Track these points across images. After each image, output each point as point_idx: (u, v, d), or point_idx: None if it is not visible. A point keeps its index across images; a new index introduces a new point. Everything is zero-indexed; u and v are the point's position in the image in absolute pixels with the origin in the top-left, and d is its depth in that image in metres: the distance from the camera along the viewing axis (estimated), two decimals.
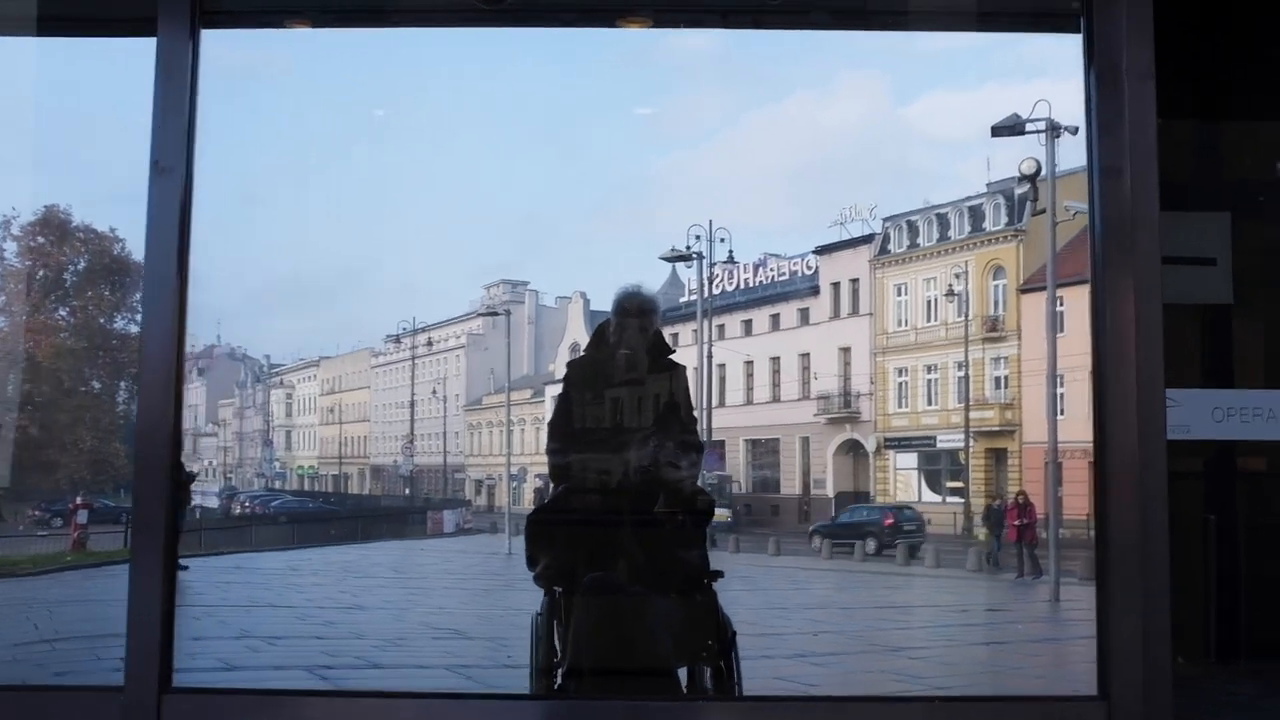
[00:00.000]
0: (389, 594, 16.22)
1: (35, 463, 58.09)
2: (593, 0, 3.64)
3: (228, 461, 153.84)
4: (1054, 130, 20.59)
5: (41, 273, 60.44)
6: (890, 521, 43.52)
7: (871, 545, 39.60)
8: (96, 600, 12.22)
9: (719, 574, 4.29)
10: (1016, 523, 27.54)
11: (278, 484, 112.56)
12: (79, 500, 24.53)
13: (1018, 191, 51.26)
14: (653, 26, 3.13)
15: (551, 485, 4.61)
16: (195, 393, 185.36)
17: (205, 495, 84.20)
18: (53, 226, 60.04)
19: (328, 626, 10.25)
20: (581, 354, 5.05)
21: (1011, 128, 20.22)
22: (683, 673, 4.29)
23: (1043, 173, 21.01)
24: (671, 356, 4.84)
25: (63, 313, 62.40)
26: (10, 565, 17.30)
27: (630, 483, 4.43)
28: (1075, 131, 21.16)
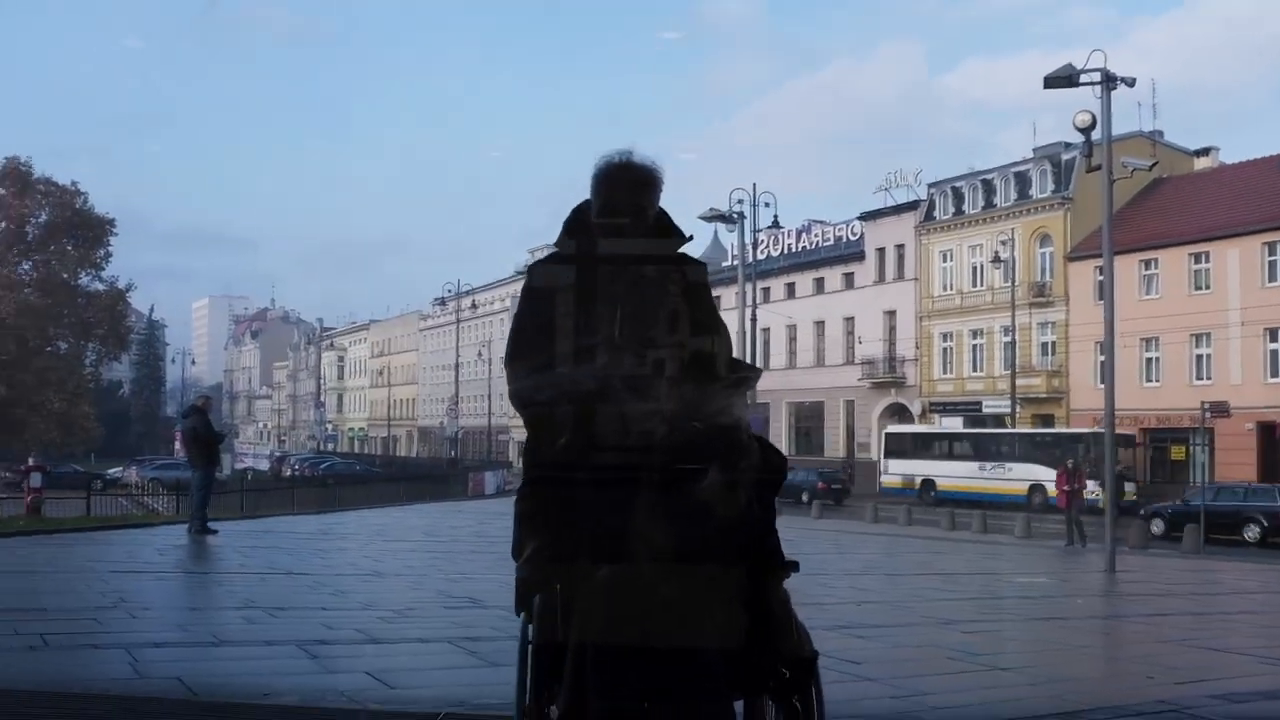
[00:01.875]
0: (414, 559, 15.76)
1: (5, 422, 58.17)
2: None
3: (281, 424, 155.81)
4: (1110, 81, 19.61)
5: (3, 225, 60.36)
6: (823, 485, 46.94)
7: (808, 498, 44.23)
8: (35, 571, 11.76)
9: (793, 566, 3.09)
10: (1066, 488, 26.63)
11: (329, 446, 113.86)
12: (31, 462, 23.87)
13: (1064, 158, 50.52)
14: None
15: (528, 438, 3.18)
16: (249, 355, 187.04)
17: (256, 458, 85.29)
18: (13, 178, 59.94)
19: (337, 596, 9.76)
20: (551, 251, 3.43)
21: (1066, 79, 19.27)
22: (739, 705, 3.08)
23: (1098, 127, 19.99)
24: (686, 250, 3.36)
25: (25, 267, 62.35)
26: None
27: (653, 434, 2.97)
28: (1132, 83, 20.30)
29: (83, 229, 61.96)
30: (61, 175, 64.87)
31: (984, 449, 47.97)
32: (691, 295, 3.25)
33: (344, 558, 15.21)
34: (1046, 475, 37.43)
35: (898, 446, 51.36)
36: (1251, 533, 30.48)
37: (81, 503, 25.82)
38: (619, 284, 3.19)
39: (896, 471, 50.18)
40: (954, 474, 47.55)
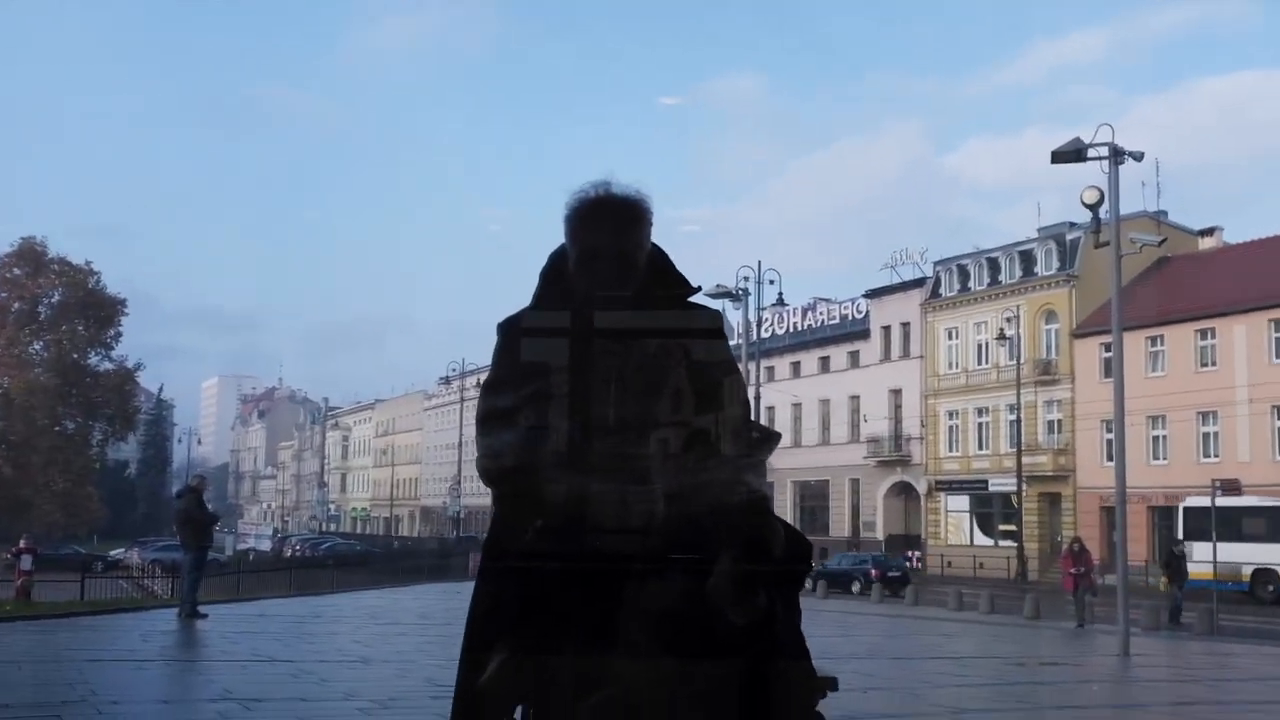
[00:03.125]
0: (404, 643, 15.30)
1: (9, 502, 57.82)
2: None
3: (285, 504, 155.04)
4: (1117, 155, 19.44)
5: (17, 305, 60.52)
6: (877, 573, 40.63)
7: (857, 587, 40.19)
8: (7, 660, 11.34)
9: (830, 684, 2.58)
10: (1073, 570, 26.06)
11: (331, 526, 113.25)
12: (23, 544, 23.32)
13: (1069, 236, 50.53)
14: None
15: (494, 519, 2.65)
16: (256, 435, 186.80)
17: (259, 538, 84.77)
18: (29, 258, 60.14)
19: (319, 686, 9.36)
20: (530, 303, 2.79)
21: (1074, 153, 19.11)
22: None
23: (1105, 202, 19.81)
24: (695, 298, 2.76)
25: (37, 346, 62.34)
26: None
27: (648, 514, 2.43)
28: (1140, 157, 20.15)
29: (94, 309, 62.20)
30: (74, 254, 65.11)
31: None
32: (703, 347, 2.67)
33: (332, 643, 14.80)
34: None
35: (1202, 524, 32.33)
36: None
37: (76, 586, 25.39)
38: (609, 348, 2.60)
39: (1207, 559, 30.39)
40: None
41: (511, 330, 2.68)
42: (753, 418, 2.85)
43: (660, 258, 2.69)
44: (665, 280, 2.69)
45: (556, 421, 2.54)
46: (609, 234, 2.60)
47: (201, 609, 16.51)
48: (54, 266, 61.60)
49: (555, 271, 2.69)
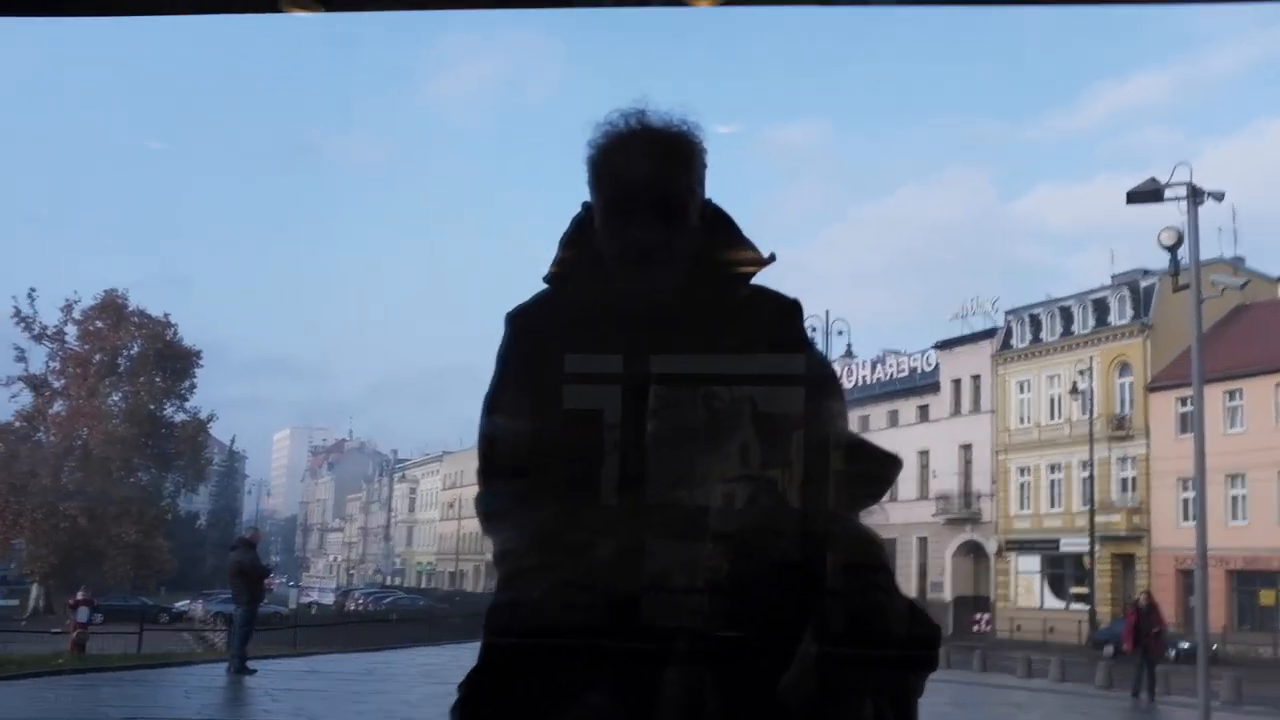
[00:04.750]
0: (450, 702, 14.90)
1: (83, 553, 58.59)
2: None
3: (351, 557, 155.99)
4: (1196, 196, 18.77)
5: (98, 356, 61.45)
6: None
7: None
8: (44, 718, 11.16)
9: None
10: (1136, 630, 23.35)
11: (395, 580, 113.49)
12: (80, 596, 23.22)
13: (1143, 284, 49.55)
14: (723, 3, 1.86)
15: (499, 579, 2.09)
16: (325, 487, 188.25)
17: (322, 591, 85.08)
18: (110, 311, 61.19)
19: None
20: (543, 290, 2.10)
21: (1151, 193, 18.50)
22: None
23: (1183, 244, 19.14)
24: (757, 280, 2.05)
25: (115, 398, 63.21)
26: None
27: (701, 573, 1.85)
28: (1221, 198, 19.48)
29: (171, 360, 63.28)
30: (153, 306, 66.51)
31: None
32: (780, 344, 2.01)
33: (379, 703, 14.53)
34: None
35: None
36: None
37: (135, 638, 25.36)
38: (642, 348, 1.91)
39: None
40: None
41: (526, 322, 2.06)
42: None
43: (717, 216, 2.04)
44: (724, 246, 2.04)
45: (583, 455, 1.91)
46: (647, 173, 1.95)
47: (251, 664, 16.30)
48: (134, 319, 62.95)
49: (581, 235, 2.04)
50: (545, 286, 2.08)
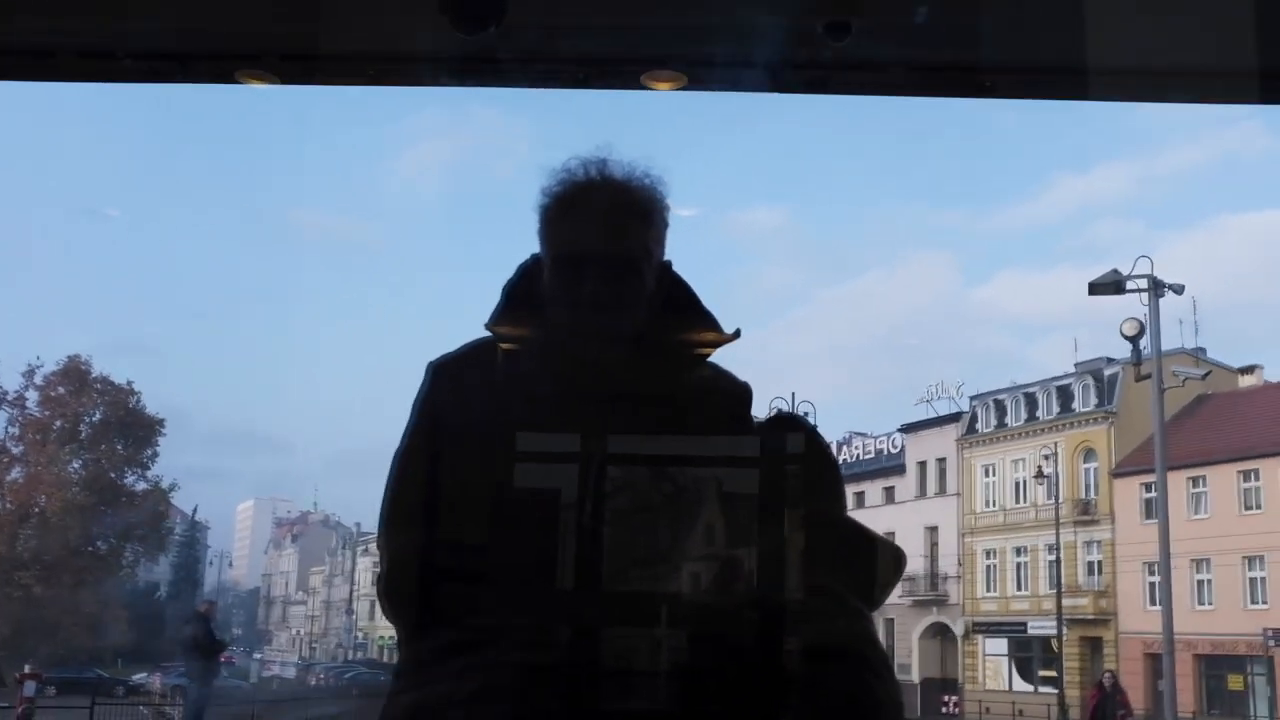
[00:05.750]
0: None
1: (36, 623, 57.66)
2: (616, 52, 2.16)
3: (314, 630, 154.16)
4: (1157, 288, 19.15)
5: (59, 423, 60.91)
6: None
7: None
8: None
9: None
10: (1096, 713, 22.65)
11: (358, 654, 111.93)
12: (26, 670, 22.76)
13: (1106, 372, 50.02)
14: (686, 87, 1.88)
15: (399, 645, 1.90)
16: (289, 559, 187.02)
17: (284, 665, 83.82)
18: (73, 376, 60.75)
19: None
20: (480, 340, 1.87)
21: (1113, 284, 18.85)
22: None
23: (1145, 335, 19.47)
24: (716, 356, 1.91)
25: (75, 465, 62.58)
26: None
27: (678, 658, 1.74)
28: (1180, 290, 19.86)
29: (133, 428, 62.65)
30: (116, 373, 66.09)
31: None
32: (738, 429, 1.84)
33: None
34: None
35: None
36: None
37: (86, 712, 24.87)
38: (593, 427, 1.75)
39: None
40: None
41: (446, 375, 1.84)
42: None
43: (676, 284, 1.87)
44: (684, 319, 1.85)
45: (529, 530, 1.73)
46: (604, 231, 1.78)
47: None
48: (96, 385, 62.43)
49: (525, 287, 1.85)
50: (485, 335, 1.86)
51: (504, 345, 1.83)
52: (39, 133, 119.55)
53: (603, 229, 1.78)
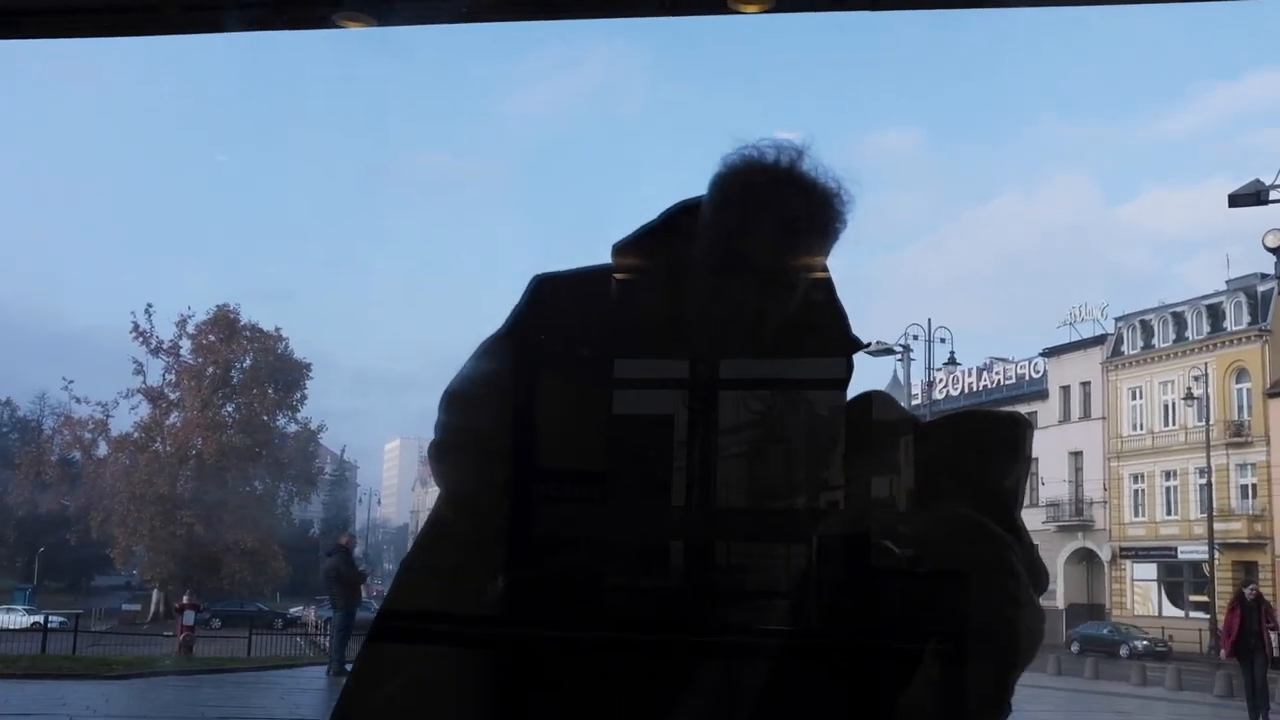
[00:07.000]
0: None
1: (200, 560, 60.20)
2: None
3: None
4: None
5: (211, 369, 63.05)
6: None
7: None
8: (138, 717, 11.34)
9: None
10: (1237, 631, 19.38)
11: None
12: (185, 600, 23.41)
13: (1260, 289, 48.14)
14: (772, 10, 1.74)
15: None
16: (434, 496, 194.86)
17: None
18: (223, 325, 62.77)
19: None
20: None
21: (1253, 195, 17.97)
22: None
23: None
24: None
25: (228, 409, 64.77)
26: (104, 665, 16.51)
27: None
28: None
29: (282, 373, 64.86)
30: (264, 320, 68.36)
31: None
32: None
33: None
34: None
35: None
36: None
37: (239, 642, 25.85)
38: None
39: None
40: None
41: (553, 291, 1.78)
42: None
43: (829, 303, 1.81)
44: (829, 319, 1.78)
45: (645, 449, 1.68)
46: (797, 218, 1.69)
47: (349, 666, 16.51)
48: (245, 333, 64.63)
49: (663, 236, 1.74)
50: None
51: (618, 275, 1.74)
52: (149, 88, 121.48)
53: (782, 238, 1.70)
